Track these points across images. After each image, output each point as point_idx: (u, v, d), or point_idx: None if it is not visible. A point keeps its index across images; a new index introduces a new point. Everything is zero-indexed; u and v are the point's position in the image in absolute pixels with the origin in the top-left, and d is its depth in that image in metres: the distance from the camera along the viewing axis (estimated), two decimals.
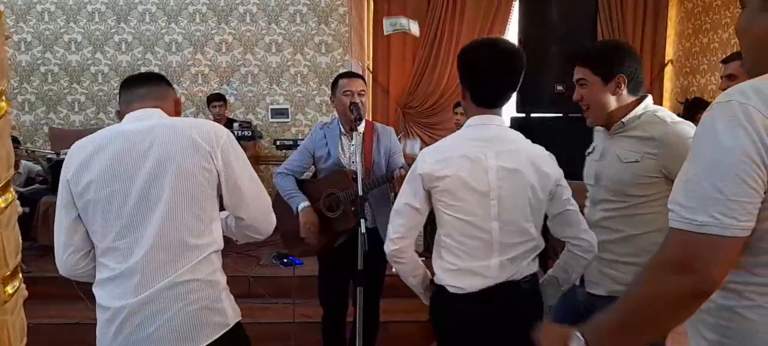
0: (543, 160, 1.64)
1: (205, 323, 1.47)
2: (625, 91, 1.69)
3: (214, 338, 1.48)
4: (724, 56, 4.11)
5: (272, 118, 5.97)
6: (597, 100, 1.70)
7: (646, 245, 1.64)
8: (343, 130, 2.60)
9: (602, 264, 1.74)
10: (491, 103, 1.65)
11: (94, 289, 1.51)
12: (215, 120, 5.22)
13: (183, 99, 5.84)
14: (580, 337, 0.98)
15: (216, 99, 5.27)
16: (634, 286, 0.97)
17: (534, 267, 1.69)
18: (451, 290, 1.65)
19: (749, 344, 0.92)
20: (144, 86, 1.62)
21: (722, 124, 0.86)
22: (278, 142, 4.98)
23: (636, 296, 0.96)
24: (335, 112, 2.66)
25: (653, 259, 0.94)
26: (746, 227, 0.86)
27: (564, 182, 1.66)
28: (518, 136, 1.69)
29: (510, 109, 3.31)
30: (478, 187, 1.59)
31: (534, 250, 1.67)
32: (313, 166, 2.70)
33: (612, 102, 1.70)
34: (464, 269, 1.62)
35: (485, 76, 1.63)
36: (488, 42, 1.74)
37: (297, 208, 2.53)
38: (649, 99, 1.72)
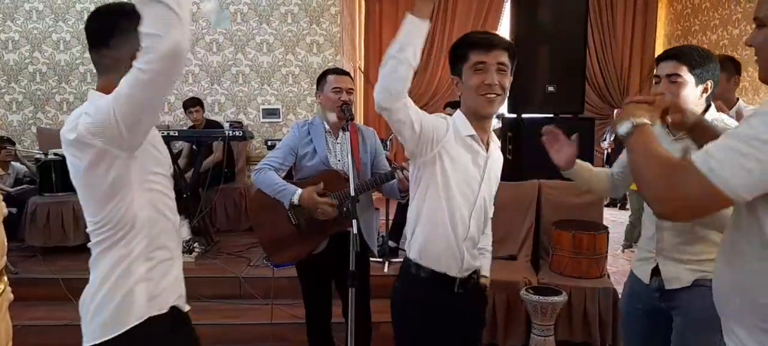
0: None
1: None
2: (704, 97, 1.72)
3: None
4: None
5: (263, 118, 5.95)
6: (684, 98, 1.70)
7: (714, 242, 1.65)
8: (327, 128, 2.51)
9: (680, 263, 1.74)
10: None
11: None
12: (194, 124, 5.16)
13: (173, 99, 5.80)
14: (632, 126, 1.17)
15: (192, 104, 5.13)
16: (668, 159, 1.07)
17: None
18: None
19: None
20: (92, 48, 1.33)
21: None
22: (269, 143, 4.95)
23: (663, 161, 1.07)
24: (320, 109, 2.55)
25: (684, 163, 1.01)
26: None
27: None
28: None
29: (502, 109, 3.31)
30: None
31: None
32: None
33: (694, 104, 1.70)
34: None
35: None
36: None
37: (292, 198, 2.36)
38: (713, 107, 1.75)
